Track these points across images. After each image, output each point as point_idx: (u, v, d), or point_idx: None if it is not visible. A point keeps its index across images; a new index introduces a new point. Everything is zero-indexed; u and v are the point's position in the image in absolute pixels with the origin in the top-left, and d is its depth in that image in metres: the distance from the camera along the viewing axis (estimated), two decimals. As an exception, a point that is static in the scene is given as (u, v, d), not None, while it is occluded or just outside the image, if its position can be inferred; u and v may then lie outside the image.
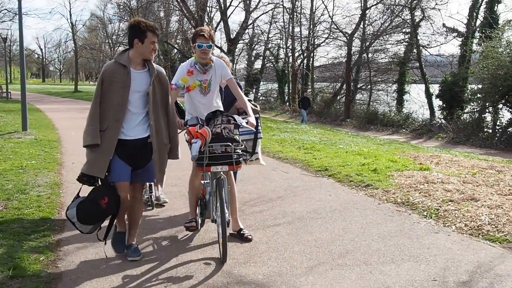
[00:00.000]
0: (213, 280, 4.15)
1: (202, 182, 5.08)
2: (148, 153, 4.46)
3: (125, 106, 4.33)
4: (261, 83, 45.40)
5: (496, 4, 25.28)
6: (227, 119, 4.57)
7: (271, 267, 4.44)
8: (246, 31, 38.27)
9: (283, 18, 39.76)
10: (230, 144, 4.48)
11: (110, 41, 74.54)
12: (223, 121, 4.55)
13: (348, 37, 32.38)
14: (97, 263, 4.51)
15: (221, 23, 36.48)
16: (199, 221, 5.19)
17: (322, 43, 37.36)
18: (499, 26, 22.71)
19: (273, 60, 44.80)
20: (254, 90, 43.37)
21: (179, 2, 34.14)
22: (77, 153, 10.50)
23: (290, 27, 39.46)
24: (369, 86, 35.29)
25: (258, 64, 45.02)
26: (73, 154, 10.46)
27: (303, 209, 6.34)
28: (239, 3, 36.20)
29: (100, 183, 4.47)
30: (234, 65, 35.73)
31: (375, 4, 31.41)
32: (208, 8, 37.10)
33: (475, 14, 26.68)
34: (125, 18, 44.26)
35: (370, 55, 34.21)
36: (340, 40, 34.79)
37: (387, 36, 32.38)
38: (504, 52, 19.12)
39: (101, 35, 75.29)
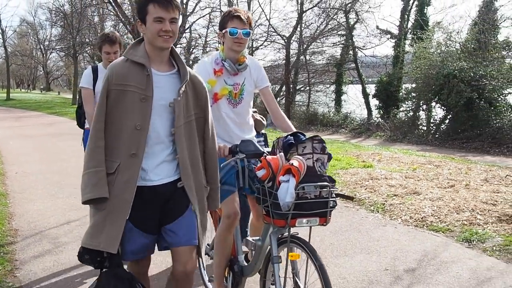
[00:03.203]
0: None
1: (251, 239, 3.37)
2: (180, 203, 2.80)
3: (147, 129, 2.67)
4: (201, 87, 45.33)
5: (426, 7, 26.30)
6: (321, 146, 2.96)
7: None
8: (184, 35, 38.12)
9: (221, 22, 39.93)
10: (328, 184, 2.88)
11: (42, 47, 72.56)
12: (315, 150, 2.94)
13: (286, 40, 32.86)
14: (56, 271, 4.49)
15: (159, 28, 36.22)
16: None
17: (260, 46, 37.73)
18: (429, 27, 23.68)
19: (212, 64, 44.74)
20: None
21: (114, 7, 33.57)
22: (18, 163, 10.28)
23: (228, 31, 39.64)
24: (308, 88, 35.91)
25: (197, 68, 44.92)
26: (14, 163, 10.23)
27: (255, 209, 6.47)
28: (176, 8, 35.98)
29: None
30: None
31: (311, 8, 32.05)
32: (144, 13, 36.76)
33: (406, 17, 27.66)
34: (58, 23, 43.30)
35: (308, 57, 34.80)
36: (278, 43, 35.22)
37: (324, 38, 33.02)
38: (435, 53, 19.95)
39: (32, 41, 73.20)
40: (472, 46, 19.25)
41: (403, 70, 24.74)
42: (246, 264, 3.60)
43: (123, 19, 32.98)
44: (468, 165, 9.66)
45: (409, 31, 27.14)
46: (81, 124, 5.07)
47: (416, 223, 5.73)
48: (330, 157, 2.99)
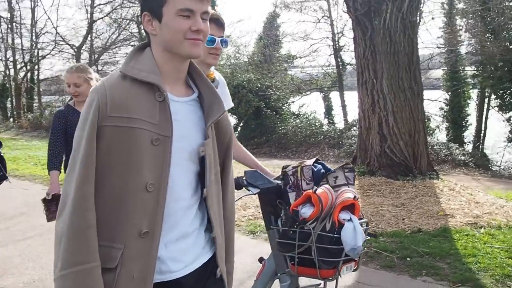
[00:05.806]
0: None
1: None
2: None
3: (165, 191, 1.63)
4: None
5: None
6: (353, 175, 2.52)
7: (30, 275, 4.57)
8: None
9: (1, 29, 37.16)
10: (367, 220, 2.41)
11: None
12: (348, 180, 2.50)
13: (75, 50, 31.93)
14: None
15: None
16: None
17: (47, 55, 35.98)
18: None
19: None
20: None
21: None
22: None
23: (10, 38, 37.05)
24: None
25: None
26: None
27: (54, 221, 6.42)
28: None
29: None
30: None
31: (102, 18, 31.63)
32: None
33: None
34: None
35: (100, 67, 34.28)
36: (67, 52, 34.06)
37: (117, 48, 32.88)
38: (225, 64, 21.21)
39: None
40: (259, 59, 20.94)
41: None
42: None
43: None
44: (255, 167, 10.61)
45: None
46: None
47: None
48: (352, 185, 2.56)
